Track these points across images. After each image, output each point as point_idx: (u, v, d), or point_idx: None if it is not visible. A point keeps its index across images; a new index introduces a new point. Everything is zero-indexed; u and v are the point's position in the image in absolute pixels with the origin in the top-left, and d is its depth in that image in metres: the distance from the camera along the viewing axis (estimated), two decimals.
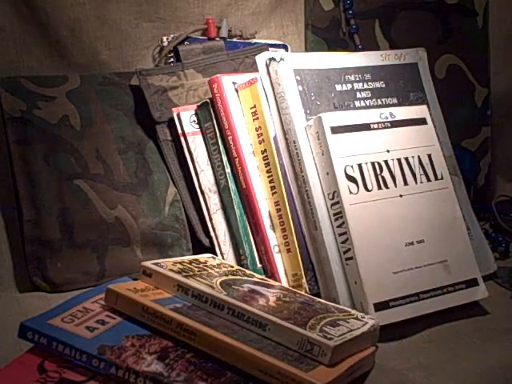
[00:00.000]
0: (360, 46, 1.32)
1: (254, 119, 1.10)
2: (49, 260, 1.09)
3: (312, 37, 1.33)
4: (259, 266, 1.10)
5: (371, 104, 1.13)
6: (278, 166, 1.07)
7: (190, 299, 0.91)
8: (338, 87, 1.12)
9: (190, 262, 1.01)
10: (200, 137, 1.14)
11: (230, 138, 1.10)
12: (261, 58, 1.09)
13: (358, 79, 1.13)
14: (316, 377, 0.79)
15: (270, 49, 1.26)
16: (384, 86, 1.16)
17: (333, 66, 1.12)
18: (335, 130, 1.04)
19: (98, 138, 1.15)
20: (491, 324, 1.02)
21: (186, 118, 1.14)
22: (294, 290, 1.02)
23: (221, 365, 0.82)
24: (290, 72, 1.08)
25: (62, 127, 1.13)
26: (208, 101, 1.13)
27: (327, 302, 0.98)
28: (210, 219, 1.13)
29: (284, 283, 1.07)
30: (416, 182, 1.07)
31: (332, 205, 1.03)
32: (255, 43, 1.28)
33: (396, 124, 1.09)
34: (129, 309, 0.88)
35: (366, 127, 1.07)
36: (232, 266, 1.06)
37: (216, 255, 1.11)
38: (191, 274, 0.96)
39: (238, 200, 1.11)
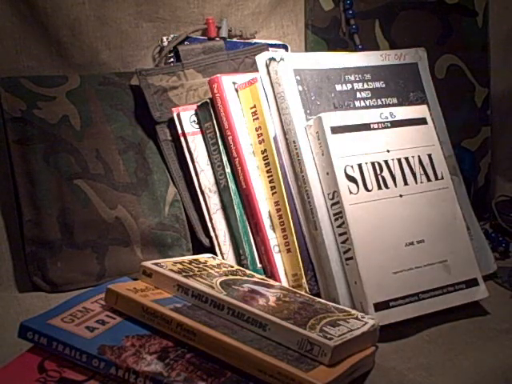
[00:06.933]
0: (360, 46, 1.32)
1: (254, 119, 1.10)
2: (49, 260, 1.09)
3: (312, 37, 1.33)
4: (259, 266, 1.10)
5: (371, 104, 1.13)
6: (278, 165, 1.07)
7: (190, 299, 0.91)
8: (338, 87, 1.12)
9: (190, 262, 1.01)
10: (200, 137, 1.14)
11: (229, 138, 1.10)
12: (261, 58, 1.09)
13: (358, 79, 1.13)
14: (316, 377, 0.79)
15: (270, 49, 1.26)
16: (384, 85, 1.16)
17: (333, 66, 1.12)
18: (335, 130, 1.04)
19: (98, 138, 1.15)
20: (491, 324, 1.02)
21: (186, 118, 1.14)
22: (294, 289, 1.02)
23: (221, 365, 0.82)
24: (290, 72, 1.08)
25: (62, 127, 1.13)
26: (208, 101, 1.13)
27: (327, 302, 0.98)
28: (210, 219, 1.13)
29: (284, 283, 1.07)
30: (416, 182, 1.07)
31: (332, 205, 1.03)
32: (255, 43, 1.27)
33: (396, 124, 1.09)
34: (129, 309, 0.88)
35: (366, 127, 1.07)
36: (232, 266, 1.06)
37: (216, 255, 1.11)
38: (191, 273, 0.96)
39: (238, 200, 1.11)
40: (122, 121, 1.17)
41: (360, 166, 1.04)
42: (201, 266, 1.01)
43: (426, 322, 1.01)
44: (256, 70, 1.10)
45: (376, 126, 1.07)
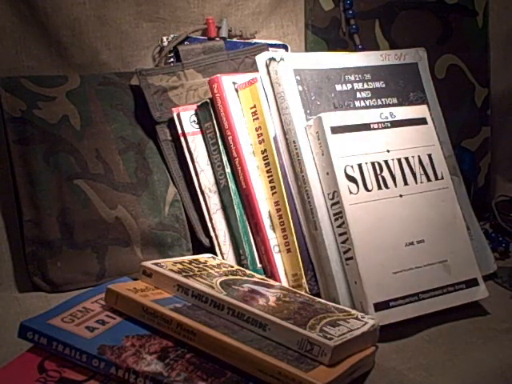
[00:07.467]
0: (360, 46, 1.32)
1: (254, 119, 1.10)
2: (49, 260, 1.08)
3: (312, 37, 1.33)
4: (259, 266, 1.10)
5: (371, 104, 1.13)
6: (278, 165, 1.07)
7: (190, 299, 0.91)
8: (338, 87, 1.12)
9: (190, 262, 1.01)
10: (200, 137, 1.14)
11: (229, 138, 1.10)
12: (261, 58, 1.09)
13: (358, 79, 1.13)
14: (316, 377, 0.79)
15: (270, 49, 1.26)
16: (384, 85, 1.16)
17: (333, 66, 1.12)
18: (335, 130, 1.04)
19: (98, 138, 1.15)
20: (491, 324, 1.02)
21: (186, 118, 1.14)
22: (294, 289, 1.02)
23: (221, 365, 0.82)
24: (290, 72, 1.08)
25: (62, 127, 1.13)
26: (208, 101, 1.13)
27: (327, 302, 0.98)
28: (210, 219, 1.13)
29: (284, 283, 1.07)
30: (416, 182, 1.07)
31: (332, 205, 1.03)
32: (255, 43, 1.28)
33: (396, 124, 1.09)
34: (129, 309, 0.88)
35: (366, 127, 1.07)
36: (232, 266, 1.06)
37: (216, 255, 1.11)
38: (191, 273, 0.96)
39: (238, 200, 1.11)
40: (121, 121, 1.17)
41: (360, 165, 1.04)
42: (201, 265, 1.01)
43: (426, 322, 1.01)
44: (256, 70, 1.10)
45: (376, 126, 1.07)
